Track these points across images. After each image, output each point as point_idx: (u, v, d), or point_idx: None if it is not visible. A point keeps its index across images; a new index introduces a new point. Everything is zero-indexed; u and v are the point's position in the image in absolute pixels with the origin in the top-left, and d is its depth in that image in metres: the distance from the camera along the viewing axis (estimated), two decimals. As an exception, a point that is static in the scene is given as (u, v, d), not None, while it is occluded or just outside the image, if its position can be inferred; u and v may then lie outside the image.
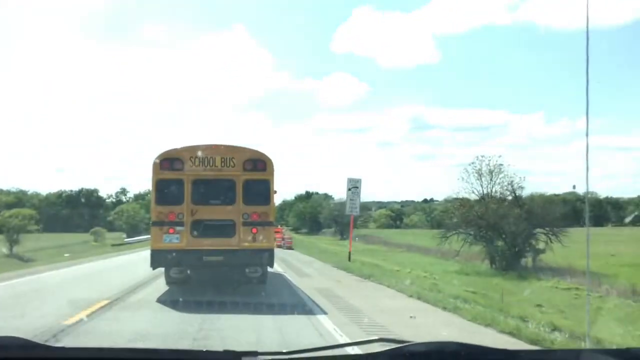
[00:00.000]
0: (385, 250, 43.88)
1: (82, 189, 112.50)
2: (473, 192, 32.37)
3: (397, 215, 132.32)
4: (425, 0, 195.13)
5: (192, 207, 13.65)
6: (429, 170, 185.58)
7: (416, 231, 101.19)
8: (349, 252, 27.58)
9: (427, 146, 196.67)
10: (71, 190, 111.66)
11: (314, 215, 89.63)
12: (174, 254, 13.58)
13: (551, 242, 27.88)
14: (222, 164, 13.85)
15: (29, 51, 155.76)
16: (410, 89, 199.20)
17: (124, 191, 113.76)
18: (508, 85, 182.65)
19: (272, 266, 14.83)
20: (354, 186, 26.73)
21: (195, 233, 13.62)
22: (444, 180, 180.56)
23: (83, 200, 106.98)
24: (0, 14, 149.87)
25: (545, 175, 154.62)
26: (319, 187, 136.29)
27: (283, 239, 42.35)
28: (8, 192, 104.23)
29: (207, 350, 1.97)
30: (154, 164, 13.85)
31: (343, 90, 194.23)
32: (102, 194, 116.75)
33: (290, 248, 40.34)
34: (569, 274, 25.29)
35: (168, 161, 13.87)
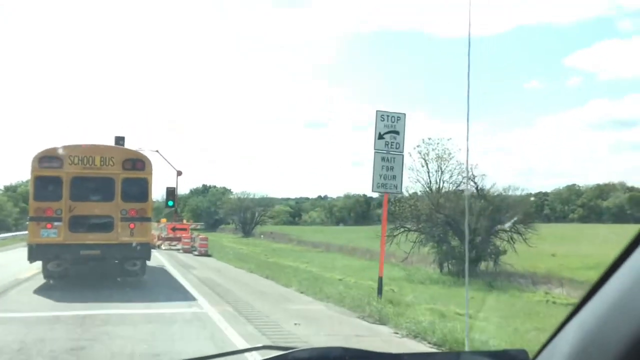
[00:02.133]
0: (300, 250, 38.33)
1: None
2: (418, 181, 27.53)
3: (295, 212, 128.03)
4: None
5: (71, 203, 14.22)
6: (322, 166, 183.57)
7: (319, 228, 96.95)
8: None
9: (323, 143, 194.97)
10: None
11: (212, 211, 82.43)
12: (51, 248, 14.09)
13: (513, 241, 23.75)
14: (102, 163, 14.58)
15: None
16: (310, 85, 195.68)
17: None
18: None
19: (149, 259, 15.67)
20: (391, 130, 11.94)
21: (73, 228, 14.15)
22: (338, 178, 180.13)
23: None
24: None
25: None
26: (215, 181, 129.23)
27: (192, 239, 28.43)
28: None
29: None
30: (33, 160, 14.27)
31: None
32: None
33: (206, 254, 26.60)
34: (538, 281, 21.10)
35: (47, 159, 14.36)
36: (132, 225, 14.62)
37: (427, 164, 26.96)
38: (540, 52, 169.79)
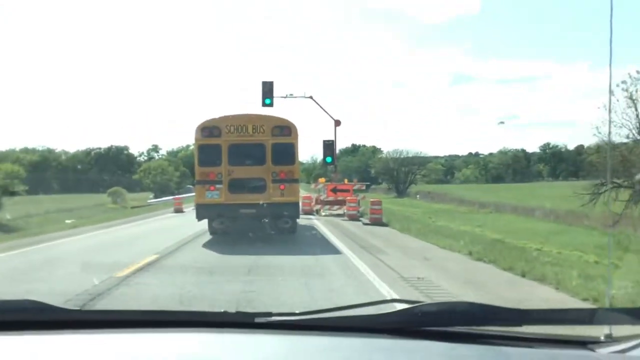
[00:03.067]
0: (465, 212, 34.26)
1: (112, 146, 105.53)
2: (623, 126, 22.15)
3: (448, 170, 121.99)
4: None
5: (229, 168, 16.27)
6: (471, 124, 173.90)
7: (475, 185, 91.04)
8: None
9: (469, 99, 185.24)
10: (99, 148, 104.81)
11: (363, 170, 79.95)
12: (215, 207, 16.26)
13: None
14: (254, 131, 16.40)
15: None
16: (450, 42, 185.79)
17: (155, 148, 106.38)
18: (551, 33, 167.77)
19: (299, 217, 17.93)
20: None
21: (232, 190, 16.15)
22: (487, 134, 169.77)
23: (112, 158, 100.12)
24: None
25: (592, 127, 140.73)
26: (365, 140, 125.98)
27: (358, 202, 24.26)
28: (34, 151, 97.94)
29: (221, 312, 1.94)
30: (196, 131, 16.51)
31: (381, 45, 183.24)
32: (134, 151, 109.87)
33: (379, 222, 21.61)
34: None
35: (208, 129, 16.50)
36: (282, 187, 16.24)
37: (635, 105, 21.57)
38: None
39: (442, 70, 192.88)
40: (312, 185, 27.06)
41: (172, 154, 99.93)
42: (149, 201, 49.77)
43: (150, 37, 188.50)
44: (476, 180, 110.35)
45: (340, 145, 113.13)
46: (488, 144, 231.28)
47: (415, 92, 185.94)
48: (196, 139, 16.69)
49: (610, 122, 22.10)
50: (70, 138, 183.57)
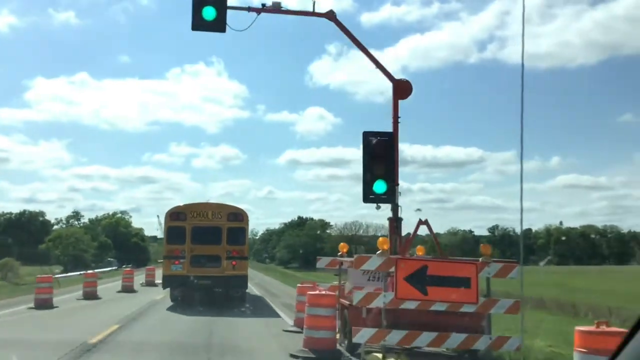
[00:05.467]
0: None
1: (25, 211, 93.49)
2: None
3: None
4: (395, 38, 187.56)
5: (191, 246, 19.47)
6: (402, 204, 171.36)
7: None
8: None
9: (401, 181, 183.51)
10: (10, 213, 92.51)
11: (309, 246, 71.65)
12: (178, 278, 19.40)
13: None
14: (213, 216, 19.84)
15: None
16: (381, 124, 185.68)
17: (76, 215, 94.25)
18: (480, 123, 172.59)
19: (247, 287, 21.28)
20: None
21: (193, 264, 19.30)
22: (418, 216, 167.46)
23: (24, 224, 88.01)
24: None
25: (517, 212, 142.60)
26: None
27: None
28: None
29: None
30: (166, 215, 20.49)
31: (319, 124, 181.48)
32: (50, 217, 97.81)
33: None
34: None
35: (175, 214, 20.08)
36: (234, 263, 19.58)
37: None
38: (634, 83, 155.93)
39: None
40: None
41: (95, 222, 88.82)
42: (55, 277, 39.54)
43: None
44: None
45: (290, 216, 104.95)
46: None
47: (352, 172, 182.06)
48: (165, 222, 20.54)
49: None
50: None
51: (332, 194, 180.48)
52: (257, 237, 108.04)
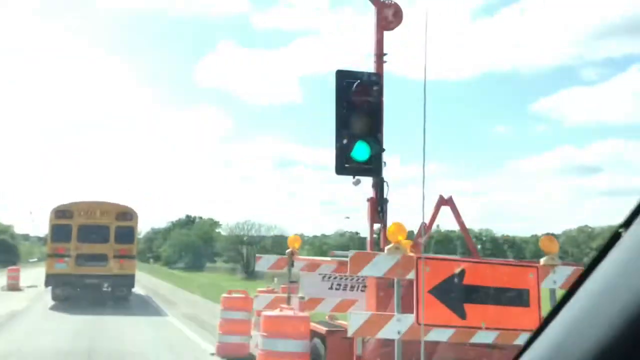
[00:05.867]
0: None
1: None
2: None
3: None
4: (287, 40, 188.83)
5: (77, 244, 19.35)
6: (293, 206, 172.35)
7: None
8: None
9: (291, 183, 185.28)
10: None
11: (198, 246, 68.65)
12: (62, 277, 19.05)
13: None
14: (101, 215, 19.87)
15: None
16: (275, 126, 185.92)
17: None
18: None
19: (133, 287, 20.97)
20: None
21: (78, 262, 19.18)
22: (308, 216, 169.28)
23: None
24: None
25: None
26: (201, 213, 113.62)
27: None
28: None
29: None
30: (50, 212, 19.95)
31: (207, 123, 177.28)
32: None
33: None
34: None
35: (61, 212, 19.83)
36: (122, 261, 19.79)
37: None
38: (507, 99, 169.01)
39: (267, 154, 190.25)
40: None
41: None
42: None
43: None
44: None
45: (171, 217, 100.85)
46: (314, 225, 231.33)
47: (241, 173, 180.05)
48: (50, 219, 19.98)
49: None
50: None
51: (223, 195, 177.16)
52: (141, 236, 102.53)
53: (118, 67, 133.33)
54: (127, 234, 20.28)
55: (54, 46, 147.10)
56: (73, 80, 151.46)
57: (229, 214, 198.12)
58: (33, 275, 37.27)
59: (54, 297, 19.55)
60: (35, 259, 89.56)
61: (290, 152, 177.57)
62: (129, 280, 20.23)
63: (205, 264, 70.00)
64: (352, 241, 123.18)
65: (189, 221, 79.83)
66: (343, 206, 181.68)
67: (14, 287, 25.30)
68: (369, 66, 8.38)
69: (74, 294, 19.60)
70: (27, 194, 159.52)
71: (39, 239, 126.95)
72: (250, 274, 49.13)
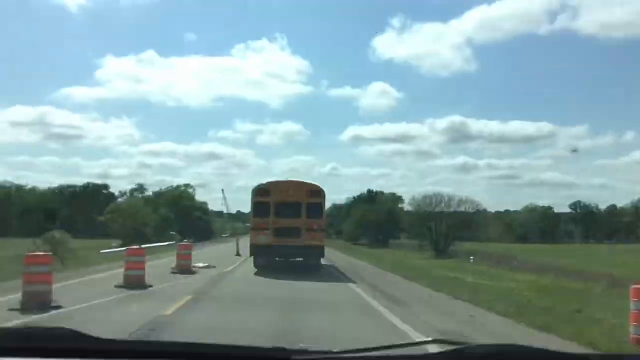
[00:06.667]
0: (583, 288, 20.72)
1: (89, 184, 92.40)
2: None
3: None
4: (462, 9, 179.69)
5: (275, 219, 21.78)
6: (470, 182, 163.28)
7: (504, 246, 77.07)
8: None
9: (468, 157, 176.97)
10: (75, 186, 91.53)
11: (382, 222, 66.24)
12: (264, 248, 21.83)
13: None
14: (294, 193, 22.15)
15: None
16: (449, 99, 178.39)
17: (141, 188, 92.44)
18: (552, 96, 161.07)
19: (324, 257, 23.56)
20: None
21: (277, 235, 21.59)
22: (486, 192, 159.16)
23: (88, 198, 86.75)
24: None
25: (592, 189, 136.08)
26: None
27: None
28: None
29: (256, 347, 1.95)
30: (253, 192, 22.96)
31: (382, 99, 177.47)
32: (115, 190, 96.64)
33: None
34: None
35: (262, 191, 22.60)
36: (313, 234, 21.82)
37: None
38: None
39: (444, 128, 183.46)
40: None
41: (158, 194, 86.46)
42: (103, 251, 36.10)
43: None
44: (499, 239, 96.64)
45: (354, 193, 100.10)
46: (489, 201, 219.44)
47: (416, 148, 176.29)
48: (253, 198, 22.79)
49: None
50: (48, 174, 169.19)
51: (397, 170, 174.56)
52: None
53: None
54: (316, 210, 22.27)
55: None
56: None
57: (409, 191, 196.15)
58: (215, 252, 37.42)
59: (256, 265, 22.34)
60: (228, 234, 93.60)
61: (468, 125, 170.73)
62: (320, 251, 22.39)
63: (388, 241, 67.69)
64: (546, 218, 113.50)
65: (370, 197, 78.12)
66: (526, 180, 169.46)
67: (185, 268, 21.05)
68: None
69: (272, 263, 22.15)
70: (220, 174, 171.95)
71: (231, 216, 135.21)
72: (441, 252, 45.28)
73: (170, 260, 24.27)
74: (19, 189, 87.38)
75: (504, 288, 19.45)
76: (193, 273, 20.90)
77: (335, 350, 1.87)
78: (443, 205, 47.61)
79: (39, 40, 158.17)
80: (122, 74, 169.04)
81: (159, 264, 25.42)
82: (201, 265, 23.70)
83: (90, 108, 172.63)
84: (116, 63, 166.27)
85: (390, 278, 22.16)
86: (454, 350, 1.81)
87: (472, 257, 39.24)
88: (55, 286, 12.38)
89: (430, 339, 2.44)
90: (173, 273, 20.48)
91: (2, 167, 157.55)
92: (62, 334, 1.93)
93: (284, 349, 1.86)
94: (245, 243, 31.79)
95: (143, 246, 27.66)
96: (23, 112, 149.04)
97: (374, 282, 19.46)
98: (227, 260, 28.51)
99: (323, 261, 24.70)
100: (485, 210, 53.98)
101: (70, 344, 1.88)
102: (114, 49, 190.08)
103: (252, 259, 23.21)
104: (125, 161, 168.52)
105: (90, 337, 1.93)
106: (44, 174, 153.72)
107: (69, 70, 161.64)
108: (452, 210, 48.17)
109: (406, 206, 63.80)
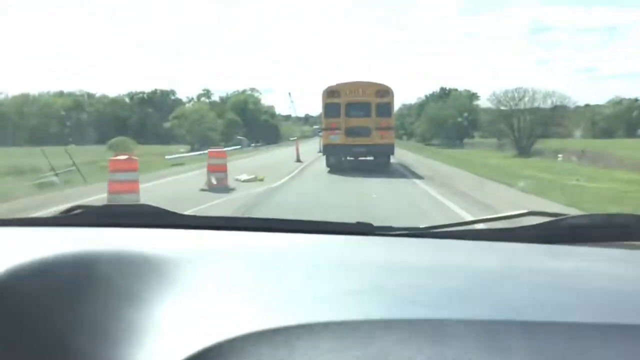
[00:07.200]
0: None
1: (156, 90, 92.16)
2: None
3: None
4: None
5: (346, 119, 22.37)
6: (547, 74, 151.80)
7: (588, 142, 71.53)
8: None
9: (545, 50, 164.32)
10: (142, 92, 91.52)
11: (456, 119, 62.39)
12: (335, 147, 22.45)
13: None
14: (363, 93, 22.62)
15: None
16: None
17: (207, 93, 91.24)
18: None
19: (393, 154, 23.48)
20: None
21: (347, 134, 22.14)
22: (565, 86, 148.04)
23: (156, 103, 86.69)
24: None
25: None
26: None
27: None
28: (70, 95, 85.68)
29: (341, 222, 1.80)
30: (323, 93, 23.15)
31: None
32: (181, 96, 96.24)
33: None
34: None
35: (331, 92, 22.88)
36: (381, 133, 22.23)
37: None
38: None
39: (519, 20, 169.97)
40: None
41: (225, 99, 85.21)
42: (168, 157, 35.09)
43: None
44: (584, 135, 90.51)
45: (426, 90, 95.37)
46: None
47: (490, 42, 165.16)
48: (323, 99, 23.15)
49: None
50: (116, 80, 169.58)
51: (472, 63, 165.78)
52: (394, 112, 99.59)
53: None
54: (385, 109, 22.75)
55: None
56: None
57: (484, 86, 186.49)
58: (274, 157, 34.46)
59: (328, 164, 22.99)
60: (295, 138, 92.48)
61: (546, 15, 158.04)
62: (389, 148, 22.84)
63: (463, 140, 64.18)
64: (630, 109, 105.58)
65: (443, 94, 73.68)
66: (606, 72, 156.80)
67: (220, 184, 15.12)
68: None
69: (344, 162, 22.82)
70: (288, 76, 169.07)
71: (299, 119, 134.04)
72: (524, 150, 41.83)
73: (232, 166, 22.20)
74: (90, 96, 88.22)
75: (612, 190, 16.65)
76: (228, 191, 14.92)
77: (421, 226, 1.74)
78: (527, 99, 43.45)
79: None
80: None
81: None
82: (245, 177, 18.19)
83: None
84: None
85: (473, 180, 19.53)
86: (555, 220, 1.58)
87: (560, 155, 35.91)
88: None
89: (523, 211, 1.89)
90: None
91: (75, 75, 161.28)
92: (142, 210, 1.91)
93: (368, 224, 1.74)
94: (306, 147, 32.27)
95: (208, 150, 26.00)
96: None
97: (455, 185, 16.98)
98: (284, 168, 23.27)
99: (395, 164, 24.72)
100: (574, 105, 48.68)
101: (151, 219, 1.80)
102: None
103: (314, 165, 23.94)
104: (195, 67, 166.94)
105: (172, 213, 1.86)
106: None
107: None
108: (536, 104, 44.00)
109: (482, 102, 59.43)
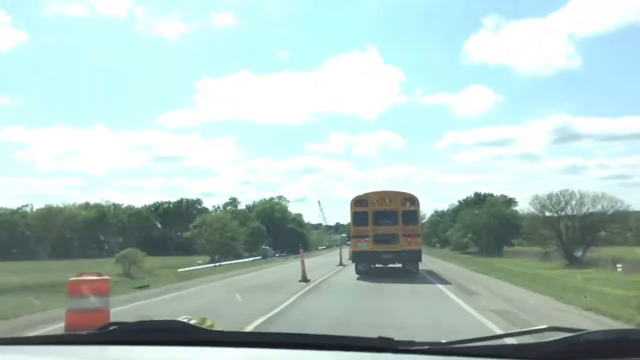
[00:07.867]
0: None
1: (182, 199, 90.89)
2: None
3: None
4: (560, 2, 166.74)
5: (374, 227, 23.13)
6: (577, 183, 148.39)
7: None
8: None
9: (574, 158, 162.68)
10: (168, 202, 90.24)
11: (494, 226, 58.48)
12: (364, 254, 23.35)
13: None
14: (389, 202, 23.35)
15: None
16: (551, 98, 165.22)
17: (233, 202, 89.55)
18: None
19: (421, 260, 24.31)
20: None
21: (375, 242, 22.93)
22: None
23: (182, 213, 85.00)
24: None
25: None
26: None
27: None
28: (95, 206, 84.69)
29: (363, 337, 1.87)
30: (351, 202, 24.07)
31: (479, 103, 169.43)
32: (208, 205, 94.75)
33: None
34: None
35: (359, 201, 23.80)
36: (409, 240, 22.93)
37: None
38: None
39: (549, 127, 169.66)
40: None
41: (251, 208, 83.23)
42: (180, 270, 31.91)
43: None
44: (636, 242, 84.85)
45: (460, 196, 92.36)
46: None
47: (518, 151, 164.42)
48: (351, 208, 23.95)
49: None
50: (155, 195, 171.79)
51: (499, 175, 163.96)
52: (425, 221, 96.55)
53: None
54: (411, 217, 23.40)
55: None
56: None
57: (521, 192, 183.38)
58: (271, 275, 28.31)
59: (357, 271, 23.68)
60: (324, 247, 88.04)
61: (573, 124, 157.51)
62: (417, 255, 23.27)
63: (502, 248, 59.94)
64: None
65: (478, 199, 70.27)
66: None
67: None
68: None
69: (372, 269, 23.82)
70: (317, 187, 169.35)
71: (329, 227, 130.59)
72: (576, 259, 37.52)
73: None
74: (117, 207, 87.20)
75: None
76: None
77: (443, 341, 1.79)
78: (574, 203, 39.73)
79: (142, 67, 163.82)
80: (219, 94, 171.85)
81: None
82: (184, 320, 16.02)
83: (190, 130, 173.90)
84: (213, 85, 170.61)
85: (533, 301, 15.63)
86: (573, 336, 1.66)
87: (619, 265, 31.60)
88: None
89: (544, 326, 2.04)
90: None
91: (114, 190, 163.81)
92: (171, 326, 1.98)
93: (391, 339, 1.78)
94: (327, 258, 32.45)
95: (228, 262, 26.35)
96: (130, 137, 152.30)
97: (510, 303, 13.33)
98: (272, 297, 16.37)
99: (430, 280, 22.02)
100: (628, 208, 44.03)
101: (179, 335, 1.91)
102: (210, 71, 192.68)
103: (323, 288, 18.69)
104: (227, 179, 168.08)
105: (199, 329, 2.00)
106: (152, 195, 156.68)
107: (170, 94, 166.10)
108: (586, 209, 40.18)
109: (520, 209, 55.76)
